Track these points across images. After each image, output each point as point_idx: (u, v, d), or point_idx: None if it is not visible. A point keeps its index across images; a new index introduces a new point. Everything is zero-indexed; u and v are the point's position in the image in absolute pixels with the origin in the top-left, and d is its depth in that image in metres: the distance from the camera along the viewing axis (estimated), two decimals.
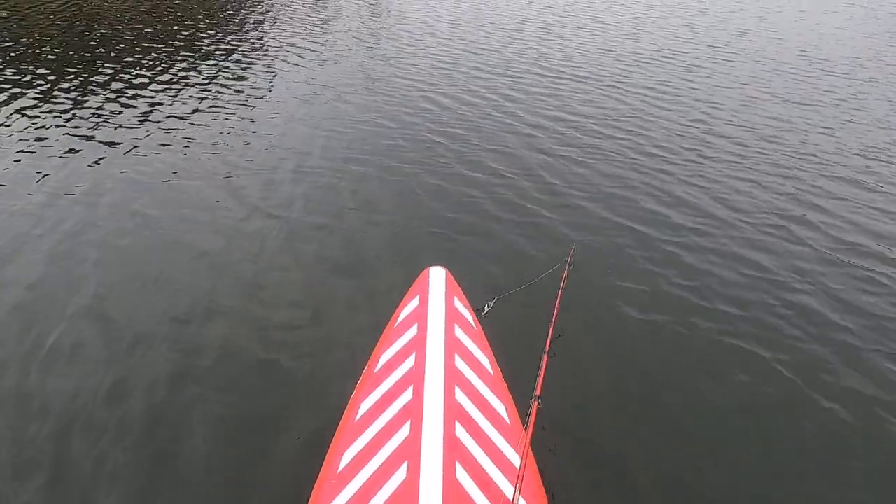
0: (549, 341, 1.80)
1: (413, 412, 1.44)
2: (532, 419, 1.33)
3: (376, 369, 1.67)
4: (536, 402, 1.40)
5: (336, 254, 3.02)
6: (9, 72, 5.42)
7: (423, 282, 1.94)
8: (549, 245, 3.08)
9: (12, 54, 5.88)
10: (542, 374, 1.57)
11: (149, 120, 4.61)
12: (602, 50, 7.12)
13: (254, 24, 7.78)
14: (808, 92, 5.94)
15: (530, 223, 3.33)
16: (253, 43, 6.87)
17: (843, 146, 4.60)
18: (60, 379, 2.10)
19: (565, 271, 2.44)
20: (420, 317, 1.78)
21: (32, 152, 3.94)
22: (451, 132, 4.45)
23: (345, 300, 2.63)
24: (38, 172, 3.64)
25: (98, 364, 2.18)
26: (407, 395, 1.50)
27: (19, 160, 3.82)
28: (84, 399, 2.01)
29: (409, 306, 1.86)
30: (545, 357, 1.68)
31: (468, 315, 1.88)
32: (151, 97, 5.07)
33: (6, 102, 4.74)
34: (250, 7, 8.64)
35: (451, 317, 1.79)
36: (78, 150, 3.98)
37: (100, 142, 4.14)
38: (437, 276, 1.95)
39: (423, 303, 1.83)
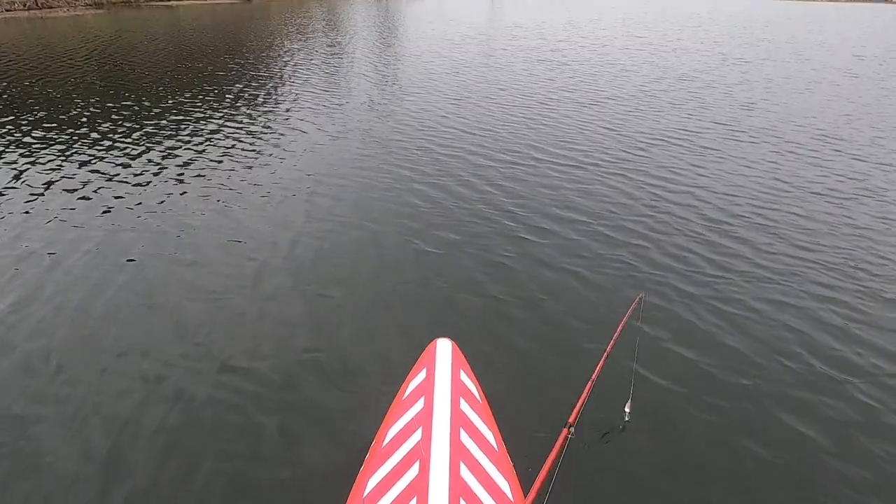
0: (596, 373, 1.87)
1: (419, 490, 1.47)
2: (558, 446, 1.38)
3: (384, 443, 1.71)
4: (567, 430, 1.50)
5: (345, 320, 3.06)
6: (45, 114, 6.03)
7: (430, 354, 2.00)
8: (550, 326, 3.00)
9: (51, 96, 6.57)
10: (581, 402, 1.68)
11: (167, 169, 5.11)
12: (605, 129, 6.76)
13: (273, 80, 8.63)
14: (825, 176, 5.33)
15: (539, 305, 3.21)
16: (272, 96, 7.58)
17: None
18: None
19: (623, 319, 2.29)
20: (427, 390, 1.83)
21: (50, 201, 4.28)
22: (467, 201, 4.66)
23: (354, 369, 2.67)
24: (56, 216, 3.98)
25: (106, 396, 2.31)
26: (413, 472, 1.54)
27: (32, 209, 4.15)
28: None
29: (417, 379, 1.92)
30: (589, 385, 1.77)
31: (474, 389, 1.92)
32: (169, 146, 5.66)
33: (43, 144, 5.27)
34: (270, 62, 9.65)
35: (457, 391, 1.84)
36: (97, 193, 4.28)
37: (122, 182, 4.53)
38: (444, 349, 1.99)
39: (430, 376, 1.89)
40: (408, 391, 1.88)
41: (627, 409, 2.22)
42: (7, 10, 20.03)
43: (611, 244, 3.83)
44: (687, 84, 9.81)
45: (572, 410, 1.66)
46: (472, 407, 1.81)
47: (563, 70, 10.95)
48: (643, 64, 12.15)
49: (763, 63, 12.64)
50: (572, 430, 1.51)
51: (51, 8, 22.00)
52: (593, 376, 1.89)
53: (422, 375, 1.90)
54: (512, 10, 34.44)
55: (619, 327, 2.18)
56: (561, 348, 2.84)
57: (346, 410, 2.39)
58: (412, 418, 1.73)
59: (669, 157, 5.70)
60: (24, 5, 20.94)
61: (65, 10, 22.28)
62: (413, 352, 2.08)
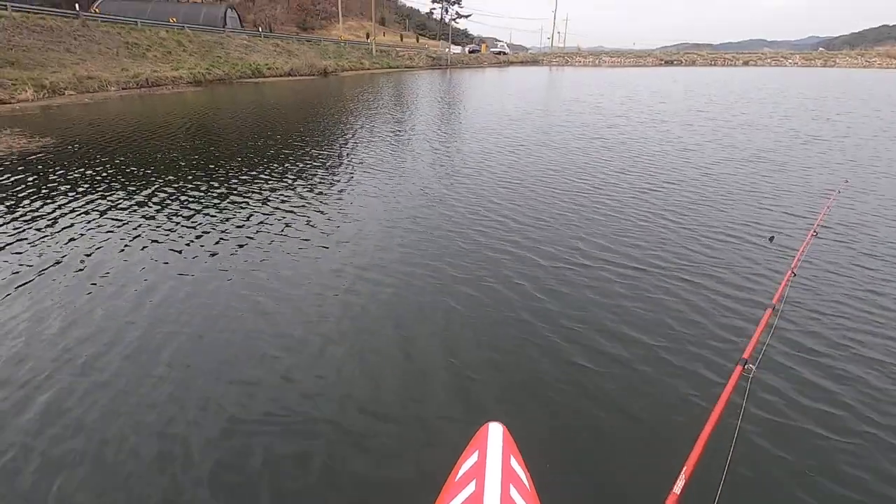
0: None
1: None
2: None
3: None
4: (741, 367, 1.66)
5: (396, 396, 3.10)
6: (136, 177, 6.61)
7: (482, 437, 2.02)
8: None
9: (145, 161, 7.25)
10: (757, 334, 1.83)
11: (235, 227, 5.41)
12: (668, 221, 6.17)
13: (341, 150, 9.05)
14: None
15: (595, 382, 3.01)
16: (330, 176, 7.81)
17: None
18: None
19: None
20: (478, 474, 1.84)
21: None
22: (511, 307, 4.40)
23: (403, 446, 2.72)
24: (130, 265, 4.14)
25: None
26: None
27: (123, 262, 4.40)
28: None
29: (468, 462, 1.93)
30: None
31: (524, 476, 1.91)
32: (238, 206, 5.94)
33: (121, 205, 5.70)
34: (339, 134, 10.14)
35: (508, 477, 1.84)
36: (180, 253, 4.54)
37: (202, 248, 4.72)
38: (496, 433, 2.01)
39: (482, 459, 1.90)
40: (459, 473, 1.90)
41: None
42: (123, 89, 23.20)
43: (670, 362, 3.38)
44: (757, 166, 9.23)
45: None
46: (521, 494, 1.81)
47: (621, 149, 10.75)
48: (707, 142, 11.73)
49: (844, 141, 11.80)
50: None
51: (158, 86, 25.29)
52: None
53: (473, 458, 1.92)
54: (570, 83, 35.40)
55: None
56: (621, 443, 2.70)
57: (397, 489, 2.41)
58: (463, 501, 1.76)
59: (743, 259, 5.16)
60: (137, 85, 24.20)
61: (169, 87, 25.52)
62: (465, 431, 2.08)
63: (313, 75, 39.33)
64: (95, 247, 5.20)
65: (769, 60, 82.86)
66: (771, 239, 5.50)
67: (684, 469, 1.61)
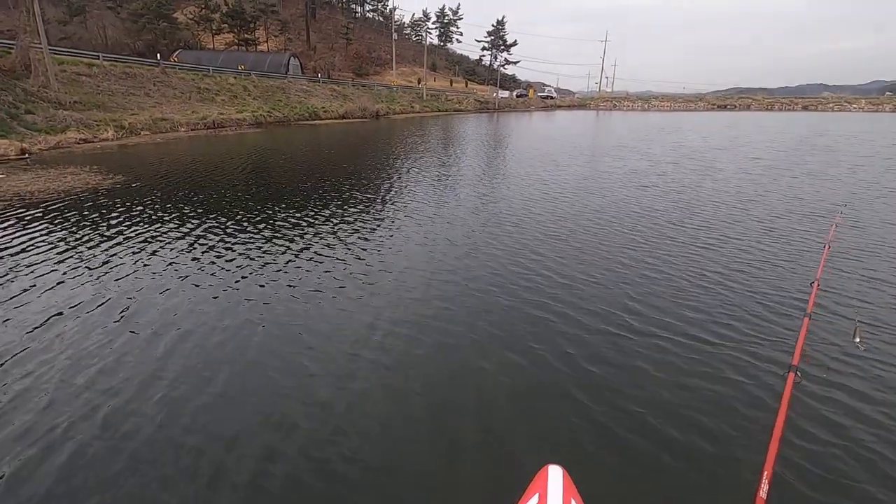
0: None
1: None
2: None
3: None
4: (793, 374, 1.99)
5: (453, 436, 3.14)
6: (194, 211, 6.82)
7: (541, 480, 1.99)
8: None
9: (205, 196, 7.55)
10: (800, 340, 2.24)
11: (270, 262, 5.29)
12: (726, 283, 5.72)
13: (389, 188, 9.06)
14: None
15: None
16: (374, 221, 7.78)
17: None
18: None
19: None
20: None
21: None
22: (555, 382, 4.03)
23: (461, 488, 2.73)
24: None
25: None
26: None
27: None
28: None
29: None
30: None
31: None
32: (283, 242, 5.94)
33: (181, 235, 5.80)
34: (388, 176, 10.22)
35: None
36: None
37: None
38: (555, 476, 1.98)
39: (542, 502, 1.88)
40: None
41: None
42: (192, 130, 25.04)
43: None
44: (822, 224, 8.44)
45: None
46: None
47: (672, 200, 10.23)
48: (767, 192, 10.99)
49: None
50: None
51: (223, 127, 27.14)
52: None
53: (533, 501, 1.90)
54: (618, 127, 35.07)
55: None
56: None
57: None
58: None
59: (817, 332, 4.55)
60: (205, 126, 26.09)
61: (233, 128, 27.33)
62: (524, 474, 2.07)
63: (366, 118, 41.18)
64: (139, 288, 5.29)
65: (832, 105, 79.33)
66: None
67: (764, 473, 1.76)
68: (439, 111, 55.41)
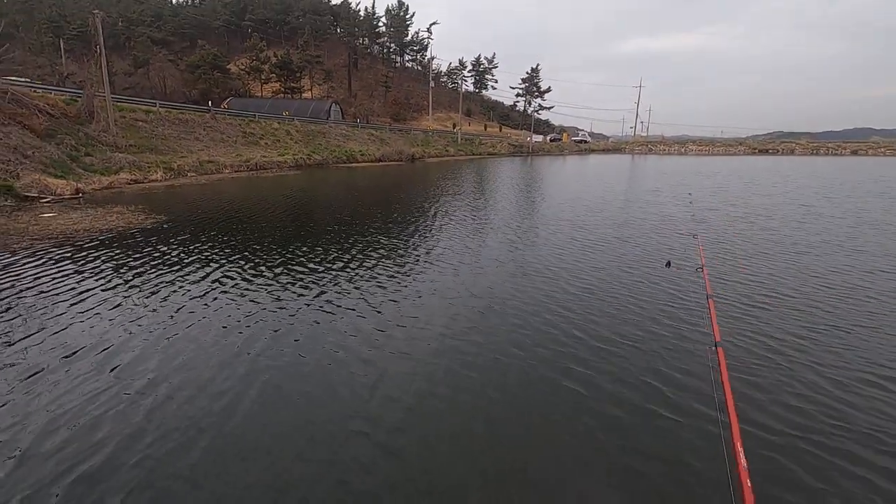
0: None
1: None
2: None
3: None
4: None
5: None
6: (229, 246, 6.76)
7: None
8: None
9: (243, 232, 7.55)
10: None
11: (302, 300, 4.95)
12: (787, 362, 5.42)
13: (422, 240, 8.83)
14: None
15: None
16: (404, 266, 7.51)
17: None
18: None
19: None
20: None
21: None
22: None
23: None
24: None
25: None
26: None
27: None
28: None
29: None
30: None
31: None
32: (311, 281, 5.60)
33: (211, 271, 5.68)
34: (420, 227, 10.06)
35: None
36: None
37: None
38: None
39: None
40: None
41: None
42: (235, 171, 26.21)
43: None
44: (886, 284, 7.59)
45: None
46: None
47: (715, 250, 9.56)
48: (821, 243, 10.13)
49: None
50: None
51: (264, 169, 28.31)
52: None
53: None
54: (654, 171, 34.39)
55: None
56: None
57: None
58: None
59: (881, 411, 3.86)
60: (248, 168, 27.30)
61: (274, 171, 28.45)
62: None
63: (401, 161, 42.25)
64: (143, 337, 5.16)
65: (883, 150, 75.74)
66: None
67: (737, 444, 2.05)
68: (473, 154, 56.38)
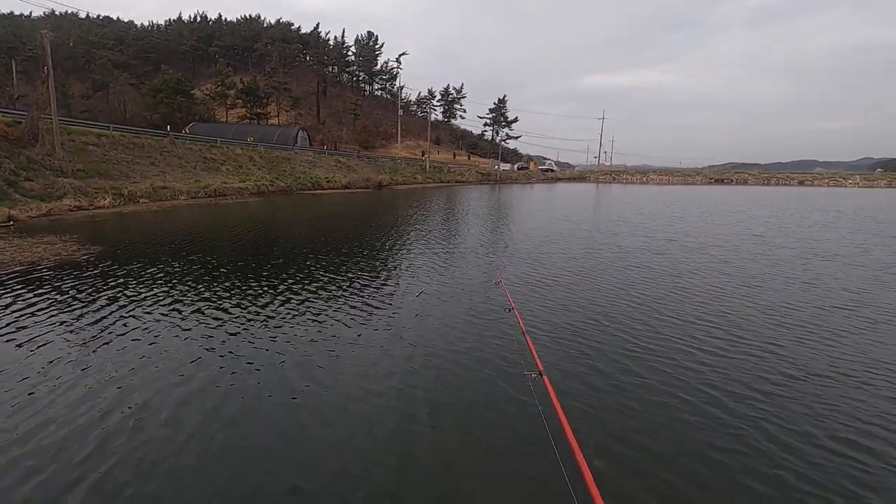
0: None
1: None
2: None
3: None
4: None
5: None
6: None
7: None
8: None
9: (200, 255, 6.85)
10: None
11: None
12: (747, 396, 4.97)
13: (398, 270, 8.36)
14: None
15: None
16: (373, 302, 7.06)
17: None
18: None
19: None
20: None
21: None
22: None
23: None
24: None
25: None
26: None
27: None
28: None
29: None
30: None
31: None
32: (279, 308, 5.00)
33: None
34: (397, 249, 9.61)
35: None
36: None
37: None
38: None
39: None
40: None
41: None
42: (192, 198, 25.22)
43: None
44: (851, 316, 7.66)
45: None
46: None
47: (674, 284, 9.52)
48: (774, 276, 10.29)
49: None
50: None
51: (224, 195, 27.40)
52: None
53: None
54: (618, 201, 35.31)
55: None
56: None
57: None
58: None
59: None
60: (206, 194, 26.33)
61: (234, 197, 27.57)
62: None
63: (368, 188, 41.93)
64: (33, 385, 4.50)
65: (827, 181, 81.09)
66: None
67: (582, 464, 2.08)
68: (442, 182, 56.73)
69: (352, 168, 47.06)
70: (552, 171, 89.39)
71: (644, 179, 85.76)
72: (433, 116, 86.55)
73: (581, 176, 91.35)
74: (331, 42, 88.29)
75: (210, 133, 43.08)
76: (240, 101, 62.04)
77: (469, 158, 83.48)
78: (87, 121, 31.18)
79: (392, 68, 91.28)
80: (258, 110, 61.93)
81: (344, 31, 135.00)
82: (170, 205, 22.45)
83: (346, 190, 39.12)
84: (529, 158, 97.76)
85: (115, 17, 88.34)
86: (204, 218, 18.64)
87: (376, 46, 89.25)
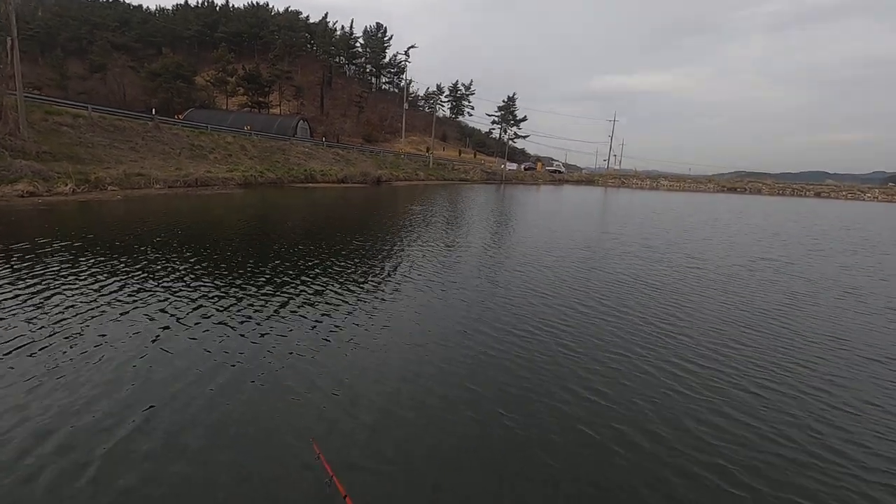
0: None
1: None
2: None
3: None
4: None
5: None
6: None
7: None
8: None
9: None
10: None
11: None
12: (748, 417, 3.79)
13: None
14: None
15: None
16: (367, 307, 5.22)
17: None
18: None
19: None
20: None
21: None
22: None
23: None
24: None
25: None
26: None
27: None
28: None
29: None
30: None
31: None
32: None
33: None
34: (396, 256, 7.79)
35: None
36: None
37: None
38: None
39: None
40: None
41: None
42: (169, 187, 23.43)
43: None
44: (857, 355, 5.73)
45: None
46: None
47: (678, 305, 7.65)
48: (780, 306, 8.32)
49: None
50: None
51: (206, 186, 25.61)
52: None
53: None
54: (627, 209, 33.29)
55: None
56: None
57: None
58: None
59: None
60: (185, 184, 24.54)
61: (217, 188, 25.79)
62: None
63: (366, 183, 40.04)
64: None
65: (844, 193, 78.29)
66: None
67: None
68: (445, 180, 54.81)
69: (350, 161, 45.22)
70: (560, 172, 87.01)
71: (654, 185, 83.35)
72: (441, 112, 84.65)
73: (589, 179, 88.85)
74: (338, 32, 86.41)
75: (208, 120, 41.37)
76: (241, 88, 60.33)
77: (475, 156, 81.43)
78: (56, 98, 29.43)
79: (400, 61, 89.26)
80: (259, 99, 60.19)
81: (352, 22, 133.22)
82: (140, 193, 20.67)
83: (342, 184, 37.28)
84: (537, 159, 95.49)
85: (122, 0, 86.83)
86: (167, 209, 16.79)
87: (385, 39, 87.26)
